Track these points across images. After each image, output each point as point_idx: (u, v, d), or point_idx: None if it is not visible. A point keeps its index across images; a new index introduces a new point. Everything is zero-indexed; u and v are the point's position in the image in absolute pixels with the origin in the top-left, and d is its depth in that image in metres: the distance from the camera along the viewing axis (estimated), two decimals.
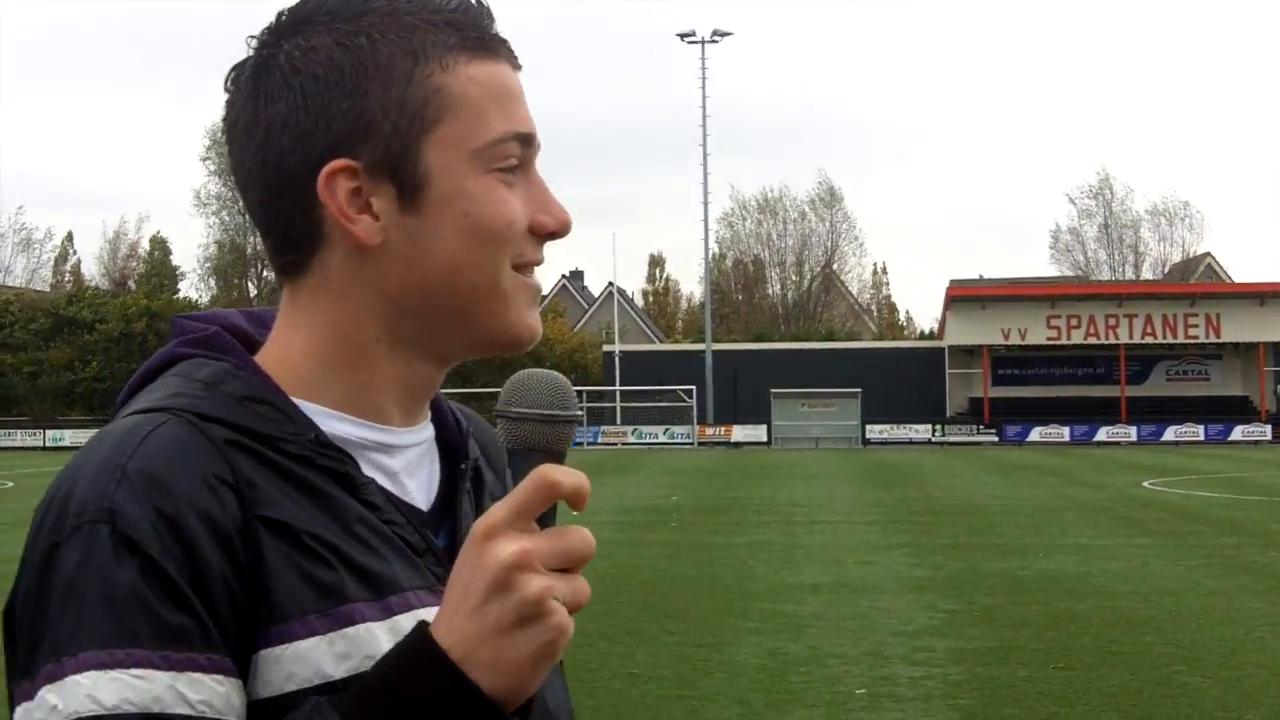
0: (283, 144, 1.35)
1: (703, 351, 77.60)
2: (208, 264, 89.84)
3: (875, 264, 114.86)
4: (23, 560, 1.26)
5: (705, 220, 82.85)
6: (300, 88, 1.35)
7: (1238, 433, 71.91)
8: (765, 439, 72.81)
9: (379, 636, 1.29)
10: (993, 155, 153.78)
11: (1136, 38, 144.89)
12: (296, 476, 1.32)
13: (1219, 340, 77.08)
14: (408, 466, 1.43)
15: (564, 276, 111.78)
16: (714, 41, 79.95)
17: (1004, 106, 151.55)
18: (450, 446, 1.51)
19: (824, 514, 26.65)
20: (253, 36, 1.40)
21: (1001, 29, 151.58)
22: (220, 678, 1.22)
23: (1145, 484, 35.53)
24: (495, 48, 1.40)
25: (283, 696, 1.26)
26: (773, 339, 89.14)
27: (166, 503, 1.22)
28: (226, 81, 1.41)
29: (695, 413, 73.90)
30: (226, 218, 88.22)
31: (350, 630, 1.28)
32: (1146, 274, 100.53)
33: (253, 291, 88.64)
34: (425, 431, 1.47)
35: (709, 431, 73.39)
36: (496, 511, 1.15)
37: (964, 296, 79.11)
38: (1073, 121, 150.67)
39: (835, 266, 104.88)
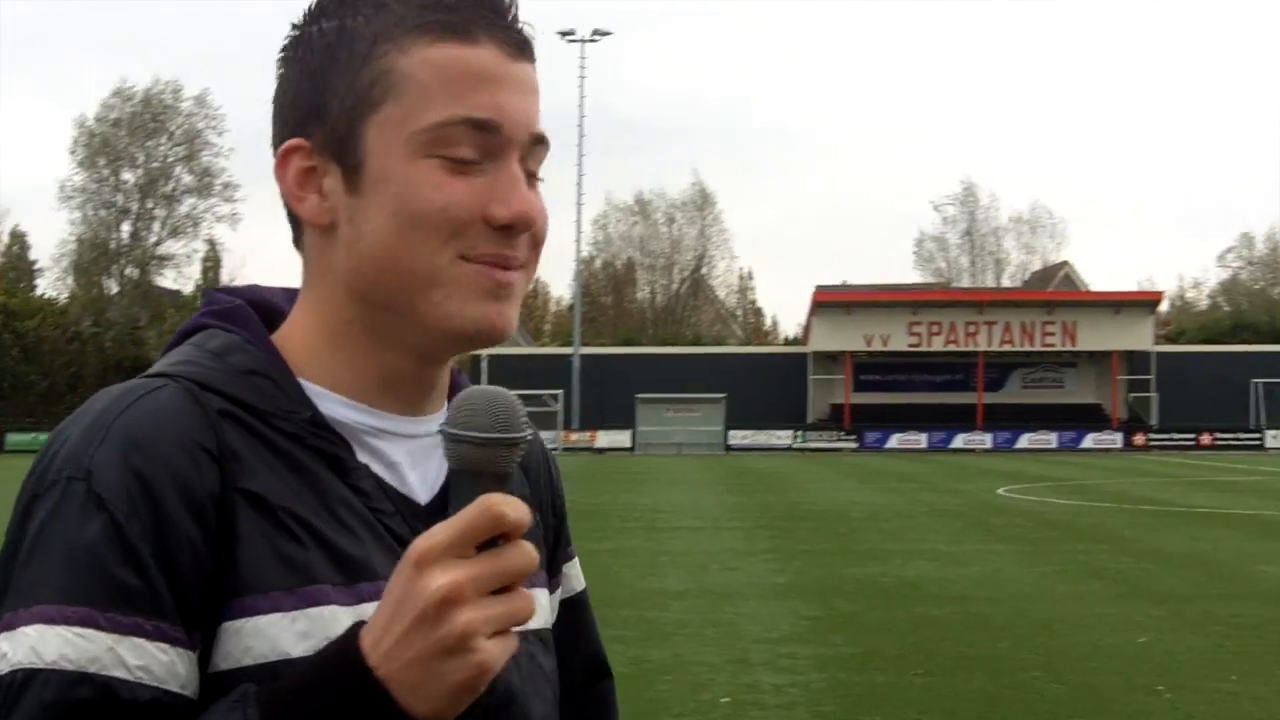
0: (275, 125, 1.42)
1: (571, 355, 77.69)
2: (64, 260, 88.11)
3: (742, 269, 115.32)
4: (13, 508, 1.30)
5: (578, 222, 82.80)
6: (286, 72, 1.41)
7: (1090, 440, 73.40)
8: (630, 445, 72.91)
9: (343, 621, 1.28)
10: (861, 161, 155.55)
11: (1004, 46, 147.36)
12: (286, 453, 1.34)
13: (1074, 349, 78.59)
14: (411, 458, 1.43)
15: None
16: (594, 40, 79.70)
17: (872, 113, 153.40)
18: None
19: (687, 520, 26.77)
20: (295, 21, 1.45)
21: (870, 38, 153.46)
22: (165, 646, 1.23)
23: (1001, 491, 36.06)
24: (470, 30, 1.36)
25: (239, 670, 1.27)
26: (640, 343, 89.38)
27: (143, 464, 1.25)
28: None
29: (561, 417, 73.84)
30: (90, 212, 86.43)
31: (314, 610, 1.29)
32: (1007, 282, 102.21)
33: (114, 289, 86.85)
34: (436, 423, 1.43)
35: (574, 437, 73.28)
36: (435, 535, 1.14)
37: (829, 302, 79.83)
38: (940, 129, 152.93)
39: (704, 271, 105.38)
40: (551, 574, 1.67)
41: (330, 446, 1.36)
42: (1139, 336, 78.24)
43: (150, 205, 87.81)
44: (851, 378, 78.87)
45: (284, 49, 1.42)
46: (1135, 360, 78.96)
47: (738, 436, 74.58)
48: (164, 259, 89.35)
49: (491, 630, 1.15)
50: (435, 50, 1.34)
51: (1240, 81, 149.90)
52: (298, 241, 1.44)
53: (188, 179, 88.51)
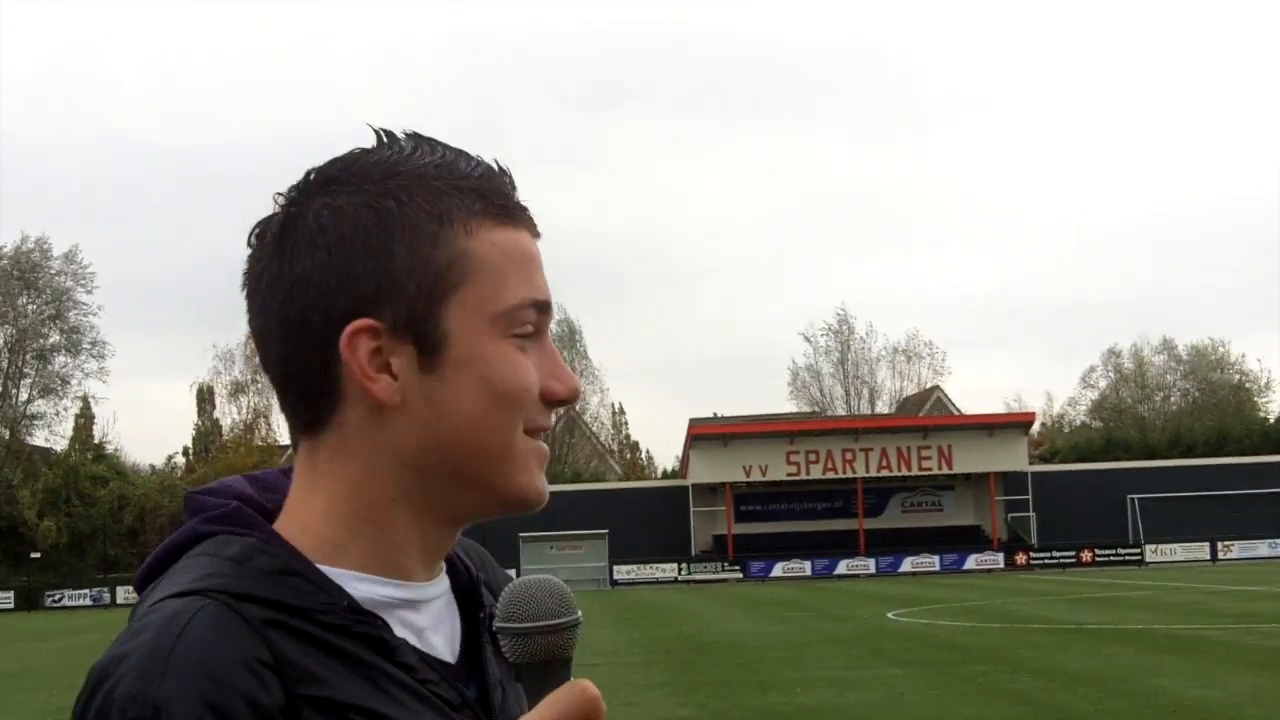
0: (307, 301, 1.35)
1: None
2: None
3: (614, 403, 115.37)
4: None
5: None
6: (327, 246, 1.35)
7: (971, 561, 74.02)
8: None
9: None
10: (731, 292, 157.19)
11: (867, 178, 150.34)
12: (334, 647, 1.31)
13: (951, 471, 79.48)
14: (431, 621, 1.43)
15: None
16: None
17: (741, 244, 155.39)
18: (464, 594, 1.50)
19: (582, 655, 26.21)
20: (280, 194, 1.40)
21: (732, 166, 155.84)
22: None
23: (890, 614, 36.23)
24: (517, 215, 1.42)
25: None
26: None
27: (214, 692, 1.21)
28: (250, 237, 1.41)
29: None
30: None
31: None
32: (881, 409, 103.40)
33: None
34: (442, 584, 1.46)
35: None
36: None
37: (705, 435, 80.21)
38: (809, 260, 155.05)
39: (578, 407, 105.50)
40: None
41: (375, 630, 1.34)
42: (1014, 457, 79.36)
43: (20, 364, 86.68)
44: (732, 508, 79.05)
45: (288, 226, 1.38)
46: (1012, 481, 80.00)
47: (623, 571, 74.31)
48: (34, 417, 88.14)
49: None
50: (497, 234, 1.39)
51: (1096, 204, 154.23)
52: (316, 424, 1.39)
53: (56, 337, 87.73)
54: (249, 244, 1.41)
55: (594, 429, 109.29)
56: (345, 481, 1.38)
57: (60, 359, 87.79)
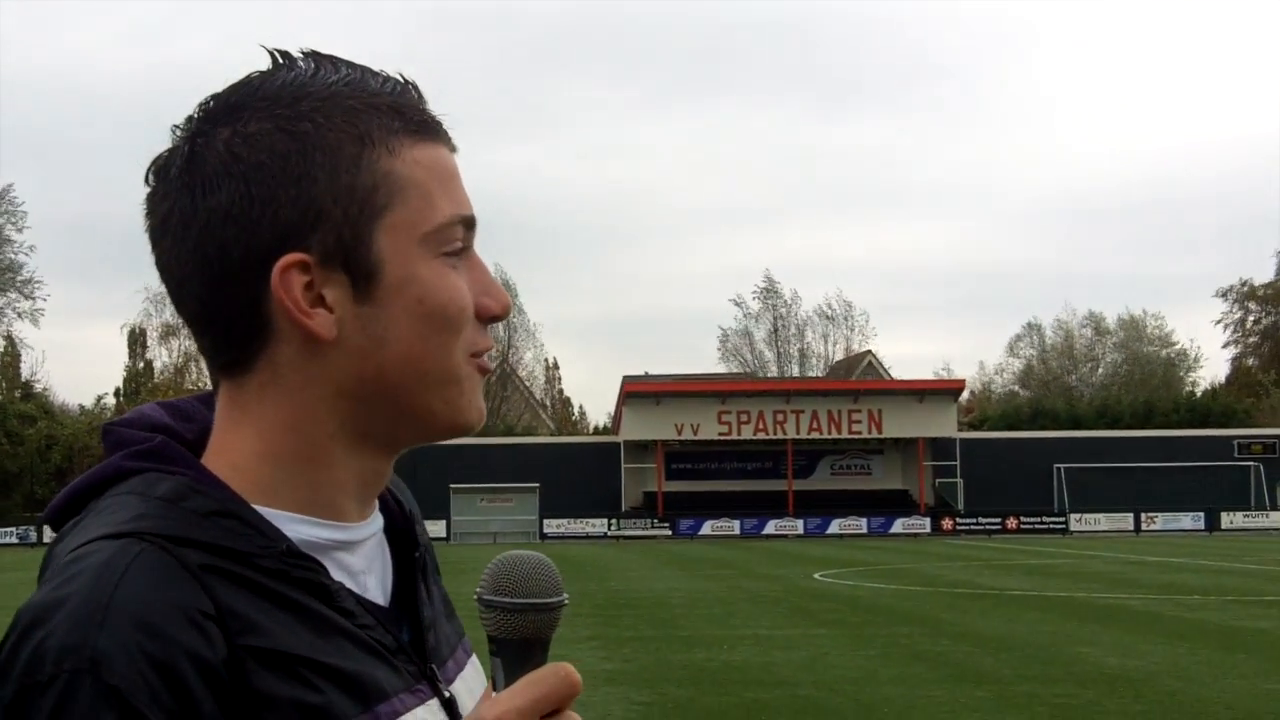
0: (225, 236, 1.28)
1: None
2: None
3: (549, 358, 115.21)
4: None
5: None
6: (243, 176, 1.27)
7: (899, 525, 74.58)
8: (444, 534, 72.33)
9: None
10: (664, 253, 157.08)
11: (799, 144, 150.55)
12: (273, 593, 1.24)
13: (880, 435, 79.98)
14: (365, 562, 1.38)
15: None
16: None
17: (676, 205, 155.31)
18: (397, 533, 1.45)
19: None
20: (178, 125, 1.33)
21: (671, 128, 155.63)
22: None
23: (816, 575, 36.48)
24: (435, 130, 1.37)
25: None
26: None
27: (155, 647, 1.13)
28: (148, 175, 1.33)
29: None
30: None
31: None
32: (812, 372, 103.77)
33: None
34: (376, 523, 1.41)
35: None
36: (510, 702, 1.15)
37: (639, 392, 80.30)
38: (742, 225, 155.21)
39: (512, 362, 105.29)
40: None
41: (313, 574, 1.27)
42: (943, 423, 79.93)
43: None
44: (663, 466, 79.26)
45: (192, 159, 1.30)
46: (940, 447, 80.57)
47: (552, 525, 74.48)
48: None
49: None
50: (419, 151, 1.34)
51: (1022, 174, 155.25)
52: (242, 363, 1.32)
53: None
54: (147, 182, 1.33)
55: (528, 384, 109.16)
56: (278, 420, 1.32)
57: None
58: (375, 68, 1.37)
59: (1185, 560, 43.38)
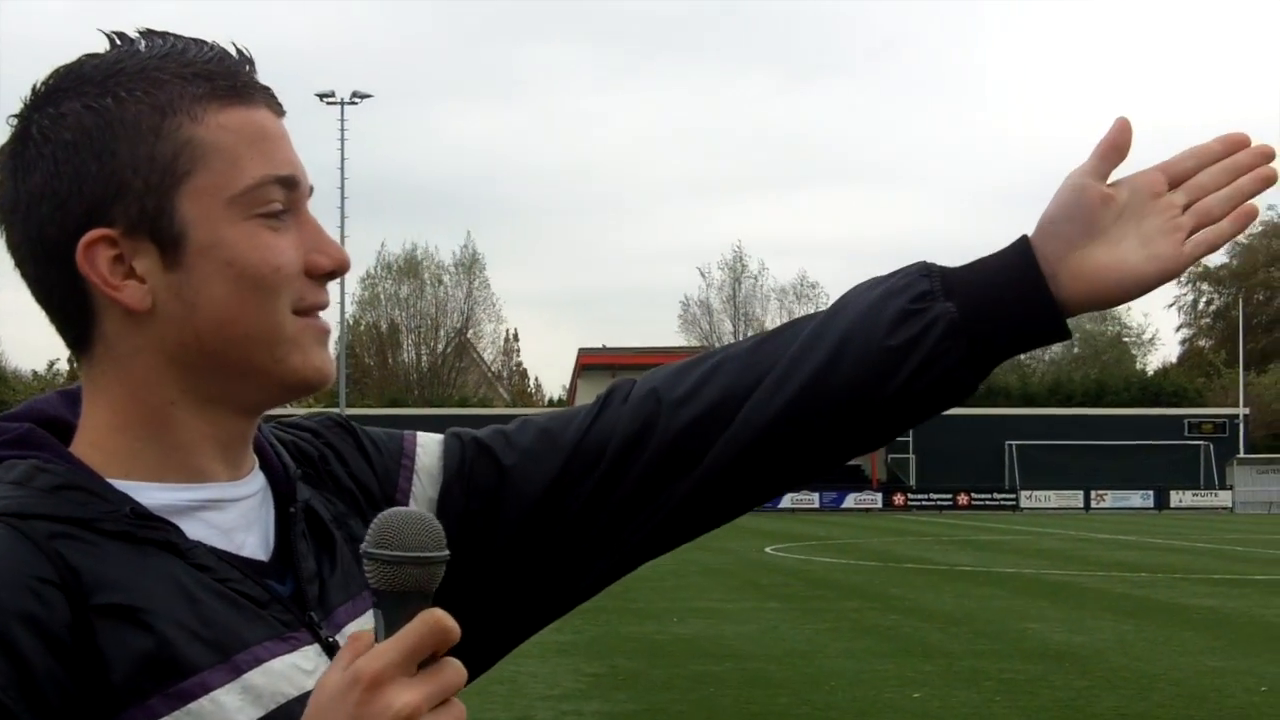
0: (42, 216, 1.33)
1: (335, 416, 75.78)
2: None
3: (508, 330, 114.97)
4: None
5: (341, 283, 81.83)
6: (53, 156, 1.33)
7: (851, 500, 74.80)
8: None
9: (225, 703, 1.28)
10: (627, 222, 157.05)
11: (770, 117, 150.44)
12: (122, 555, 1.29)
13: None
14: (241, 520, 1.41)
15: None
16: (354, 103, 78.63)
17: (641, 177, 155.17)
18: (279, 489, 1.48)
19: None
20: (13, 115, 1.37)
21: (638, 100, 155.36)
22: None
23: (768, 549, 36.57)
24: (249, 93, 1.38)
25: None
26: (407, 404, 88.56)
27: None
28: None
29: None
30: None
31: (194, 705, 1.27)
32: None
33: None
34: (255, 482, 1.45)
35: None
36: (384, 656, 1.14)
37: (594, 364, 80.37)
38: (707, 198, 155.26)
39: (471, 334, 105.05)
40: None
41: (160, 533, 1.32)
42: None
43: None
44: None
45: (17, 143, 1.36)
46: None
47: None
48: None
49: None
50: (226, 115, 1.35)
51: (986, 152, 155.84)
52: (81, 340, 1.38)
53: None
54: None
55: (486, 357, 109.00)
56: (119, 392, 1.37)
57: None
58: (208, 39, 1.40)
59: (1134, 538, 43.70)
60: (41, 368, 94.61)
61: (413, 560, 1.20)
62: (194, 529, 1.35)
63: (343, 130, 78.18)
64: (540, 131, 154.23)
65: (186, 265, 1.33)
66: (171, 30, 1.40)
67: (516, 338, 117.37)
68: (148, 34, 1.38)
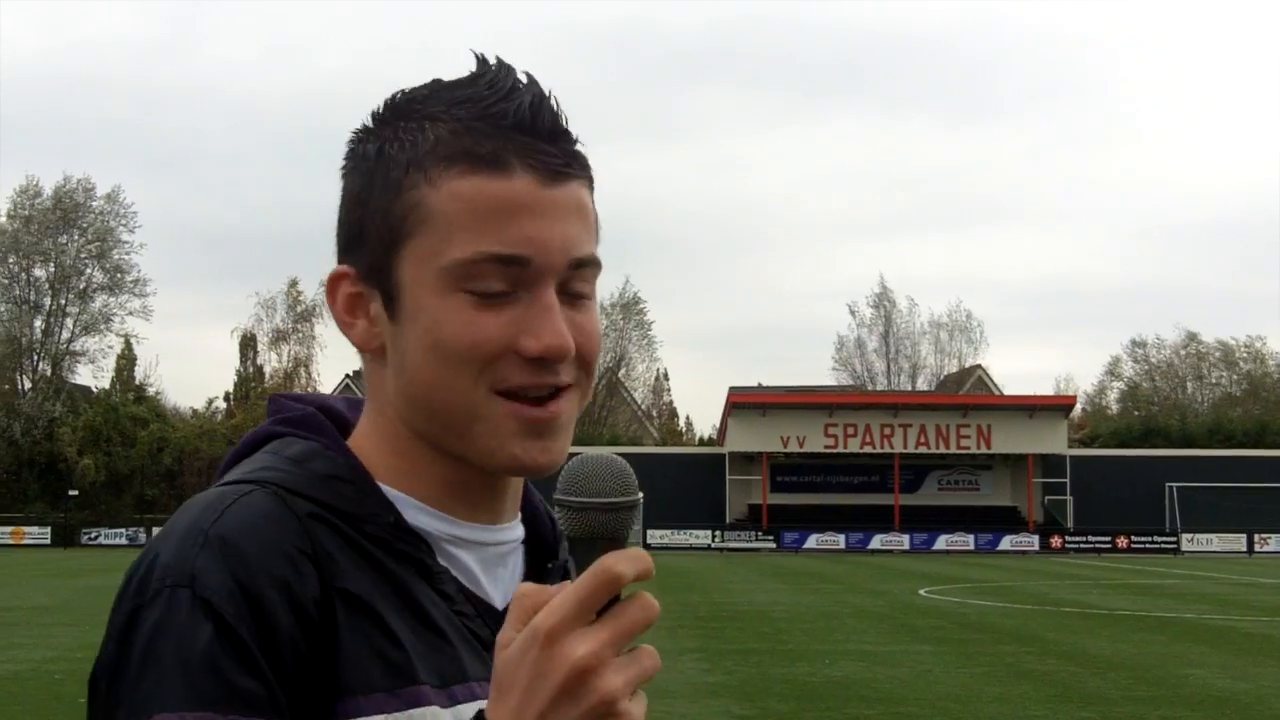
0: (337, 236, 1.44)
1: None
2: None
3: (659, 369, 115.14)
4: (108, 624, 1.28)
5: None
6: (341, 191, 1.43)
7: (1006, 542, 73.74)
8: None
9: None
10: (780, 265, 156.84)
11: (916, 154, 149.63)
12: (372, 557, 1.34)
13: (989, 451, 79.16)
14: (483, 565, 1.44)
15: None
16: None
17: (798, 215, 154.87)
18: (539, 547, 1.51)
19: None
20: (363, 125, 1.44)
21: (790, 141, 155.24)
22: None
23: (922, 592, 36.18)
24: (503, 160, 1.33)
25: None
26: None
27: (243, 570, 1.25)
28: None
29: None
30: (1, 308, 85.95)
31: (416, 712, 1.29)
32: (922, 385, 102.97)
33: (26, 385, 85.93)
34: (511, 532, 1.47)
35: None
36: (560, 608, 1.11)
37: (745, 404, 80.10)
38: (858, 232, 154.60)
39: (622, 373, 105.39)
40: None
41: (415, 551, 1.37)
42: (1053, 440, 79.02)
43: (62, 302, 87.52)
44: (768, 478, 79.03)
45: (343, 163, 1.43)
46: (1050, 463, 79.68)
47: (656, 536, 74.42)
48: (77, 354, 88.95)
49: (630, 691, 1.13)
50: (464, 183, 1.33)
51: (1134, 190, 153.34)
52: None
53: (99, 276, 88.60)
54: None
55: (638, 395, 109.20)
56: (375, 414, 1.44)
57: (102, 298, 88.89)
58: (527, 81, 1.37)
59: None
60: (200, 405, 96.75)
61: (598, 506, 1.21)
62: (440, 558, 1.40)
63: None
64: (696, 171, 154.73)
65: (401, 323, 1.36)
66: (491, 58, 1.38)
67: (667, 376, 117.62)
68: (482, 64, 1.38)
